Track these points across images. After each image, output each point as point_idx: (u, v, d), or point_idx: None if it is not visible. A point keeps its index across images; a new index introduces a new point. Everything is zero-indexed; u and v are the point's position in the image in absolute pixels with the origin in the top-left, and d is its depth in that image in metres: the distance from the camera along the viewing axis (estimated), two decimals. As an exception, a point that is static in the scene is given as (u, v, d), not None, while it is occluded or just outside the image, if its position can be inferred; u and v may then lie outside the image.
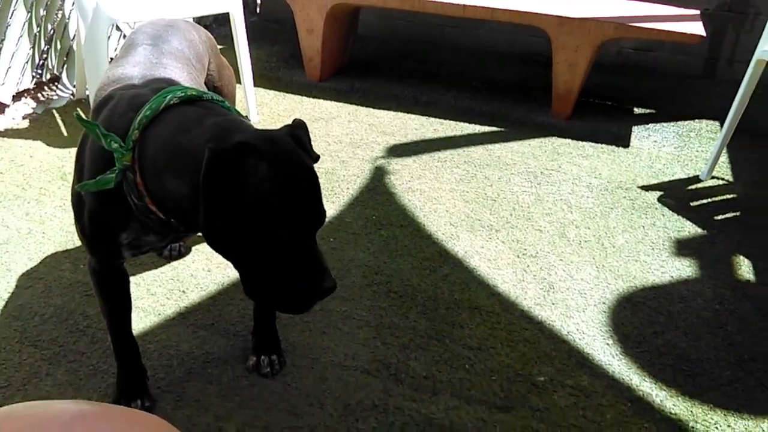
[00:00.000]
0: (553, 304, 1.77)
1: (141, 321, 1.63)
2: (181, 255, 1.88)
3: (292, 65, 3.36)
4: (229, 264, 1.81)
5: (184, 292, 1.74)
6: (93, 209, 1.19)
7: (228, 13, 2.59)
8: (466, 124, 2.82)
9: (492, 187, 2.33)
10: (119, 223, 1.18)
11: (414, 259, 1.92)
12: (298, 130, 1.12)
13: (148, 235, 1.20)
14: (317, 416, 1.39)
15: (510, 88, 3.25)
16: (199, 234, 1.30)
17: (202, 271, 1.82)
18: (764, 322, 1.73)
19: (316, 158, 1.15)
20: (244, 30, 2.64)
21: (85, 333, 1.58)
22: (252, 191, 1.00)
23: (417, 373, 1.52)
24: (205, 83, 1.56)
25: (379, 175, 2.38)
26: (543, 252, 1.98)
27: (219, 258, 1.87)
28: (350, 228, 2.05)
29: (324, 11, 3.00)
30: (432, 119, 2.86)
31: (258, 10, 4.13)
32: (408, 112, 2.91)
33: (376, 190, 2.28)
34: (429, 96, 3.09)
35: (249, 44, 2.70)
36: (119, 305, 1.35)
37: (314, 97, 3.03)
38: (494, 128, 2.80)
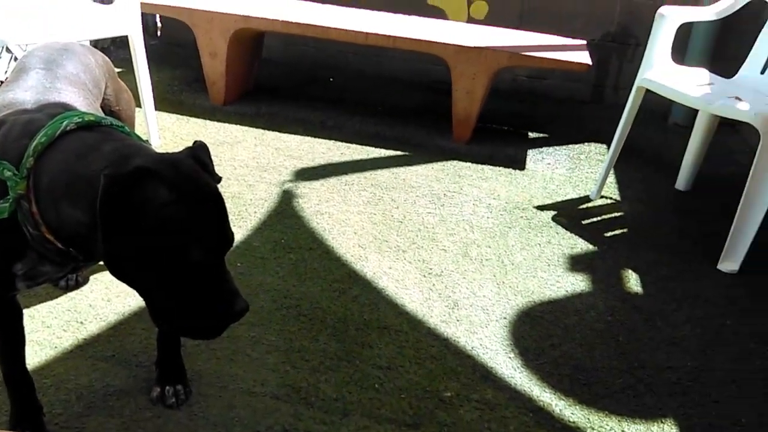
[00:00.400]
0: (457, 320, 1.82)
1: (36, 355, 1.54)
2: (78, 285, 1.80)
3: (195, 89, 3.31)
4: (131, 293, 1.76)
5: (82, 323, 1.67)
6: None
7: (127, 36, 2.53)
8: (372, 148, 2.87)
9: (398, 209, 2.38)
10: (14, 253, 1.13)
11: (323, 281, 1.93)
12: (199, 152, 1.12)
13: (44, 265, 1.15)
14: (226, 445, 1.36)
15: (413, 113, 3.34)
16: (100, 263, 1.26)
17: (102, 301, 1.75)
18: (652, 331, 1.86)
19: (218, 180, 1.15)
20: (144, 53, 2.58)
21: (-29, 372, 1.48)
22: (153, 217, 0.99)
23: (327, 396, 1.52)
24: (102, 108, 1.52)
25: (287, 198, 2.38)
26: (447, 271, 2.04)
27: (119, 287, 1.80)
28: (258, 252, 2.04)
29: (227, 35, 2.98)
30: (339, 143, 2.89)
31: (159, 33, 4.04)
32: (315, 137, 2.93)
33: (284, 213, 2.28)
34: (335, 120, 3.13)
35: (150, 68, 2.64)
36: (12, 339, 1.28)
37: (219, 120, 3.00)
38: (399, 152, 2.87)
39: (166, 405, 1.44)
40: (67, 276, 1.72)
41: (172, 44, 3.96)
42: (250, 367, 1.58)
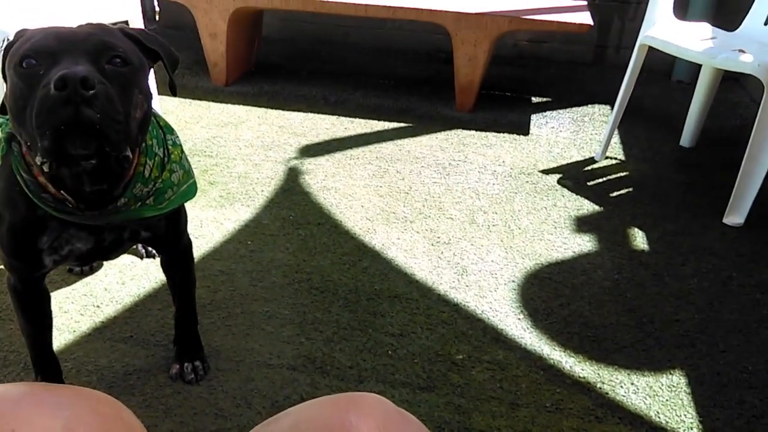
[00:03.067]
0: (467, 286, 1.85)
1: (55, 340, 1.58)
2: (93, 270, 1.84)
3: (196, 71, 3.32)
4: (145, 275, 1.81)
5: (98, 306, 1.71)
6: (9, 218, 1.16)
7: (126, 21, 2.54)
8: (376, 122, 2.88)
9: (404, 180, 2.40)
10: (36, 227, 1.15)
11: (333, 255, 1.96)
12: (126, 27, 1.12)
13: (67, 231, 1.17)
14: (245, 416, 1.41)
15: (415, 84, 3.34)
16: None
17: (117, 285, 1.79)
18: (659, 286, 1.88)
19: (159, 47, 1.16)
20: (144, 38, 2.59)
21: (-4, 357, 1.53)
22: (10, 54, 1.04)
23: (342, 364, 1.56)
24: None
25: (293, 175, 2.40)
26: (455, 238, 2.07)
27: (133, 270, 1.84)
28: (267, 230, 2.07)
29: (226, 15, 2.98)
30: (342, 118, 2.90)
31: (158, 17, 4.04)
32: (318, 113, 2.94)
33: (292, 190, 2.30)
34: (338, 95, 3.13)
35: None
36: (40, 323, 1.32)
37: (222, 102, 3.01)
38: (402, 124, 2.88)
39: (185, 381, 1.48)
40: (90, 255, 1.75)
41: (170, 27, 3.96)
42: (265, 340, 1.62)
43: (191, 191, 1.27)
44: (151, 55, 1.15)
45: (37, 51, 0.98)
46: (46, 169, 0.99)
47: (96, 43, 1.01)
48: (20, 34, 1.07)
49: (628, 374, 1.57)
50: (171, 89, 1.21)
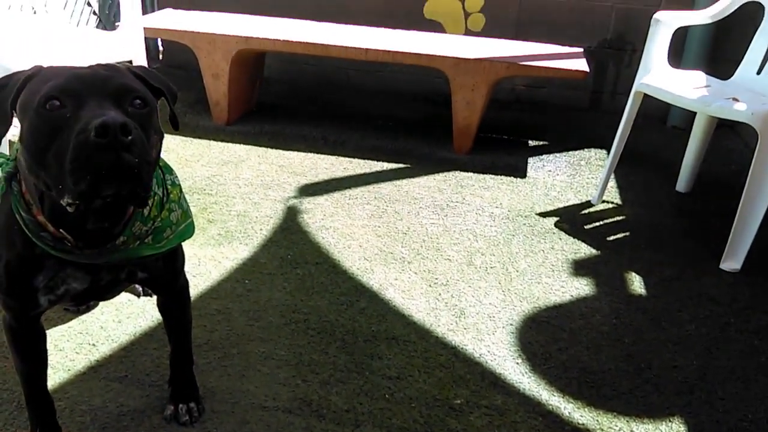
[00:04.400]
0: (465, 329, 1.84)
1: (50, 378, 1.55)
2: (89, 308, 1.83)
3: (197, 110, 3.36)
4: (141, 314, 1.80)
5: (94, 345, 1.70)
6: (5, 257, 1.16)
7: (130, 61, 2.58)
8: (374, 162, 2.91)
9: (402, 221, 2.41)
10: (32, 266, 1.15)
11: (331, 295, 1.96)
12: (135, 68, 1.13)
13: (64, 271, 1.17)
14: (240, 459, 1.38)
15: (413, 126, 3.38)
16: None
17: (113, 323, 1.78)
18: (657, 332, 1.88)
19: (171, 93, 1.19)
20: (148, 77, 2.63)
21: (-11, 395, 1.51)
22: (27, 92, 1.05)
23: (339, 408, 1.54)
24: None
25: (292, 214, 2.41)
26: (453, 280, 2.07)
27: (130, 308, 1.84)
28: (265, 268, 2.07)
29: (229, 57, 3.03)
30: (341, 158, 2.93)
31: (161, 57, 4.11)
32: (318, 152, 2.97)
33: (290, 229, 2.31)
34: (337, 136, 3.17)
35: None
36: (35, 362, 1.31)
37: (222, 140, 3.04)
38: (401, 165, 2.90)
39: (180, 423, 1.46)
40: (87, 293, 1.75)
41: (173, 67, 4.01)
42: (261, 382, 1.60)
43: (189, 231, 1.27)
44: (155, 92, 1.17)
45: (61, 92, 0.99)
46: (71, 210, 1.00)
47: (117, 86, 1.03)
48: (35, 71, 1.08)
49: (627, 421, 1.55)
50: (173, 124, 1.23)
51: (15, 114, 1.07)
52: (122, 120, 0.94)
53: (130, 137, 0.95)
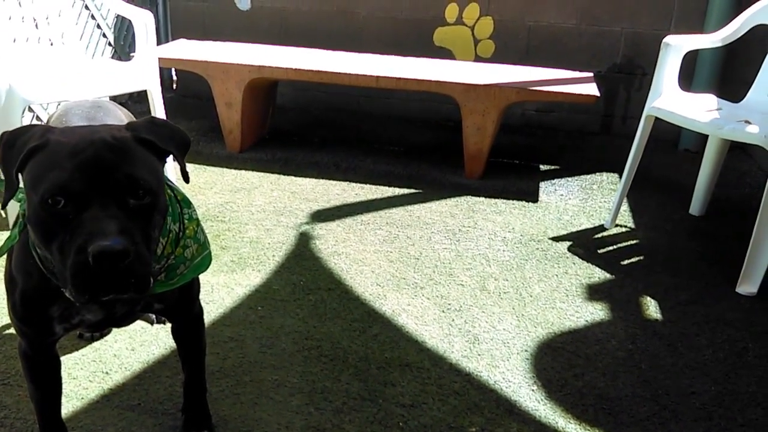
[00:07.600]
0: (479, 355, 1.83)
1: (63, 406, 1.55)
2: (102, 336, 1.83)
3: (211, 138, 3.39)
4: (154, 341, 1.80)
5: (107, 373, 1.70)
6: (22, 285, 1.17)
7: (145, 91, 2.62)
8: (386, 188, 2.92)
9: (414, 246, 2.41)
10: (47, 296, 1.16)
11: (343, 321, 1.95)
12: (140, 130, 1.11)
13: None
14: (253, 489, 1.37)
15: (424, 151, 3.39)
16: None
17: (126, 351, 1.78)
18: (674, 357, 1.85)
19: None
20: (162, 106, 2.67)
21: (3, 425, 1.51)
22: (24, 161, 1.05)
23: (352, 435, 1.53)
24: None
25: (304, 241, 2.42)
26: (466, 305, 2.05)
27: (143, 336, 1.84)
28: (278, 295, 2.07)
29: (242, 86, 3.07)
30: (353, 184, 2.94)
31: (175, 86, 4.17)
32: (329, 179, 2.99)
33: (302, 255, 2.31)
34: (349, 162, 3.18)
35: (167, 120, 2.72)
36: (50, 390, 1.31)
37: (235, 168, 3.06)
38: (412, 190, 2.91)
39: (193, 451, 1.45)
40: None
41: (187, 96, 4.07)
42: (274, 410, 1.59)
43: (205, 263, 1.26)
44: (166, 151, 1.15)
45: (63, 190, 0.98)
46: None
47: (121, 178, 1.01)
48: (42, 142, 1.03)
49: (646, 449, 1.53)
50: (184, 178, 1.20)
51: (20, 179, 1.07)
52: (120, 248, 0.95)
53: (128, 260, 0.96)
